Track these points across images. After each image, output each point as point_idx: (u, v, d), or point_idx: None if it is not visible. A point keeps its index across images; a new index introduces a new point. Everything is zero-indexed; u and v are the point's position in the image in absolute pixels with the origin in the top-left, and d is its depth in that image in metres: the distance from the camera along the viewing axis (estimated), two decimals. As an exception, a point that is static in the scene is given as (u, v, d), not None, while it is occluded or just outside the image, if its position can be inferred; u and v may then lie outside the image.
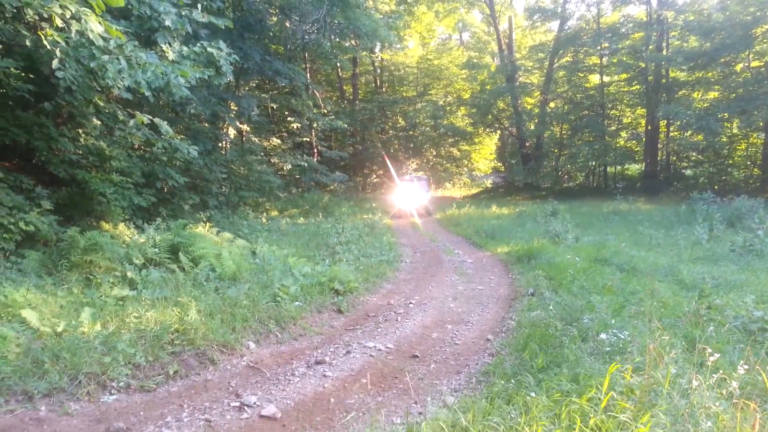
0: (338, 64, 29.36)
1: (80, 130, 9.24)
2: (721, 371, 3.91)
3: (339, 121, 25.43)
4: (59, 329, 5.05)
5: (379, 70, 35.47)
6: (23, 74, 7.94)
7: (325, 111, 25.88)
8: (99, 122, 9.54)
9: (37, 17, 6.43)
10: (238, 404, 4.57)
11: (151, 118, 7.80)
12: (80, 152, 9.14)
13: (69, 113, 9.09)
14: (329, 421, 4.28)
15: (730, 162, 27.88)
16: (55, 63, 6.33)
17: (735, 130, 26.21)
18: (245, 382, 5.08)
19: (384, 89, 35.88)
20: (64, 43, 6.32)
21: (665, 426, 3.35)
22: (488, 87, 35.18)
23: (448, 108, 36.54)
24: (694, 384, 3.60)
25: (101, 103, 9.28)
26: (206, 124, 15.15)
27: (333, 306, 7.75)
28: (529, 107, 36.21)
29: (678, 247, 12.30)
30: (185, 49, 7.75)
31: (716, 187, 23.90)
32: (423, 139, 35.82)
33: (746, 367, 3.70)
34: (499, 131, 40.17)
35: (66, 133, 8.77)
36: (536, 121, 33.97)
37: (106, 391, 4.58)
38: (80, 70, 6.88)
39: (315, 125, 24.63)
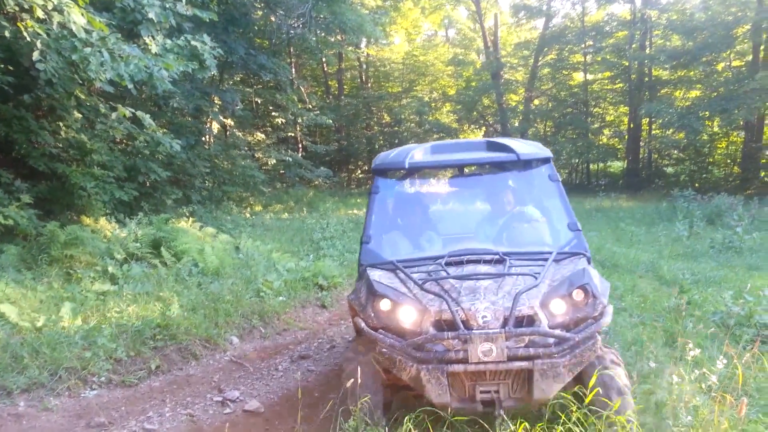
0: (323, 59, 29.24)
1: (61, 123, 9.10)
2: (702, 367, 3.97)
3: (324, 116, 25.33)
4: (39, 324, 5.00)
5: (364, 66, 35.36)
6: (2, 66, 7.80)
7: (311, 106, 25.78)
8: (80, 115, 9.41)
9: (17, 8, 6.32)
10: (220, 399, 4.56)
11: (133, 111, 7.72)
12: (60, 145, 9.01)
13: (49, 106, 8.95)
14: (313, 415, 4.28)
15: (711, 160, 28.20)
16: (35, 55, 6.24)
17: (716, 129, 26.51)
18: (228, 377, 5.07)
19: (369, 85, 35.79)
20: (45, 35, 6.23)
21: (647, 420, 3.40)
22: (473, 84, 35.27)
23: (434, 104, 36.51)
24: (675, 379, 3.65)
25: (82, 96, 9.16)
26: (189, 118, 14.99)
27: (317, 301, 7.75)
28: (513, 104, 36.33)
29: (659, 243, 12.43)
30: (169, 42, 7.69)
31: (697, 184, 24.17)
32: (408, 135, 35.76)
33: (725, 361, 3.76)
34: (484, 128, 40.27)
35: (46, 126, 8.64)
36: (521, 118, 34.13)
37: (86, 386, 4.55)
38: (61, 62, 6.78)
39: (300, 120, 24.51)
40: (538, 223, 4.46)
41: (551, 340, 3.23)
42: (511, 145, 4.47)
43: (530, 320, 3.29)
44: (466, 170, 5.28)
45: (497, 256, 3.76)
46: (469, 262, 3.78)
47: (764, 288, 6.23)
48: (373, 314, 3.52)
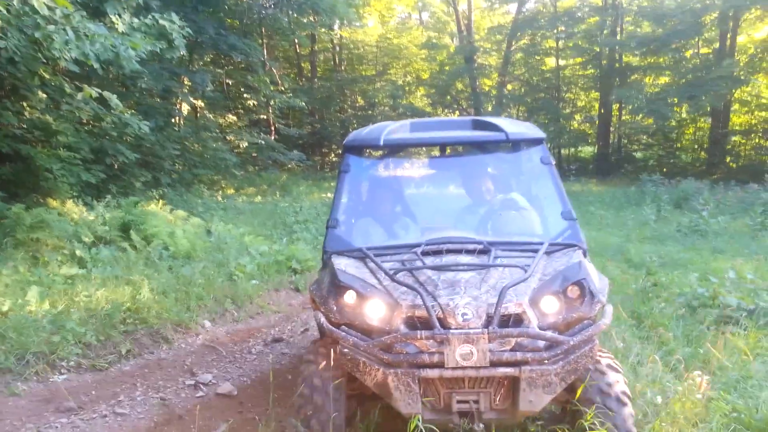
0: (296, 41, 28.89)
1: (24, 104, 8.86)
2: (668, 347, 4.08)
3: (297, 99, 25.07)
4: (5, 308, 4.89)
5: (338, 48, 35.04)
6: (-40, 43, 7.54)
7: (283, 88, 25.47)
8: (44, 95, 9.14)
9: (-25, -18, 6.09)
10: (193, 382, 4.54)
11: (99, 91, 7.53)
12: (25, 126, 8.77)
13: (12, 85, 8.67)
14: (287, 397, 4.29)
15: (679, 145, 28.80)
16: (-5, 31, 6.03)
17: (684, 115, 27.02)
18: (200, 361, 5.04)
19: (343, 67, 35.49)
20: (5, 11, 6.01)
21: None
22: (447, 68, 35.27)
23: (408, 88, 36.44)
24: (644, 360, 3.74)
25: (47, 76, 8.88)
26: (158, 99, 14.69)
27: (290, 284, 7.74)
28: (486, 89, 36.48)
29: (627, 227, 12.67)
30: (136, 20, 7.50)
31: (665, 169, 24.67)
32: (382, 118, 35.58)
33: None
34: (457, 112, 40.37)
35: (9, 106, 8.39)
36: (494, 102, 34.28)
37: (55, 370, 4.48)
38: (24, 40, 6.56)
39: (272, 103, 24.21)
40: (527, 210, 3.85)
41: (542, 344, 2.79)
42: (499, 124, 3.90)
43: (518, 319, 2.83)
44: (448, 150, 4.71)
45: (481, 246, 3.26)
46: (449, 251, 3.28)
47: (728, 270, 6.41)
48: (336, 308, 3.03)
